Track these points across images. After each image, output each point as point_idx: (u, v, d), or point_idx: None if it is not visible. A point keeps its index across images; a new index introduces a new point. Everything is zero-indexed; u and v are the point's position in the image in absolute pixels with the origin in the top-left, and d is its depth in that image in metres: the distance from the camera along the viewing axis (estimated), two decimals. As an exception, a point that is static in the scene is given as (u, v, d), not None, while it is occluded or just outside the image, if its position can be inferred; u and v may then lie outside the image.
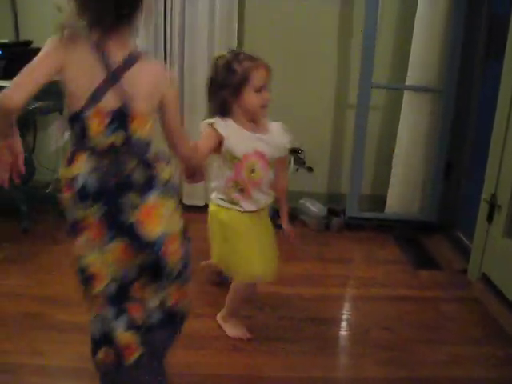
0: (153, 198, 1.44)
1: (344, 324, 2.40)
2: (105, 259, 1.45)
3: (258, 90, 1.94)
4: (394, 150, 3.34)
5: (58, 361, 1.99)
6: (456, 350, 2.20)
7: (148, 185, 1.44)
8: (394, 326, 2.35)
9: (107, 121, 1.38)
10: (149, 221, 1.44)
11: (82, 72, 1.37)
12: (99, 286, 1.47)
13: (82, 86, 1.37)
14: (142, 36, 3.22)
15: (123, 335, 1.50)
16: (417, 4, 3.12)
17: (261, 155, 2.02)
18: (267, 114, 2.05)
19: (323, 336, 2.26)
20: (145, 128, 1.44)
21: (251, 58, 1.96)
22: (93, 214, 1.42)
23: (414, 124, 3.28)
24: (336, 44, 3.47)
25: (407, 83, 3.26)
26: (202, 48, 3.32)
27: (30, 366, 1.94)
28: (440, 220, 3.39)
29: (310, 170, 3.56)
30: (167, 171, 1.49)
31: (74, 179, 1.40)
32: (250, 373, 2.01)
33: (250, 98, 1.94)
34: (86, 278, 1.48)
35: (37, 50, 1.37)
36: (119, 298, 1.49)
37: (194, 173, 1.81)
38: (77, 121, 1.38)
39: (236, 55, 1.97)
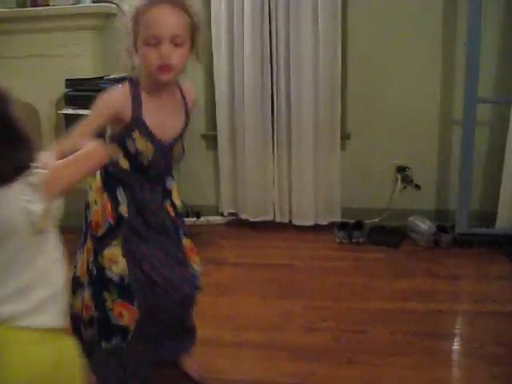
0: None
1: (457, 339, 2.45)
2: None
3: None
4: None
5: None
6: None
7: None
8: (507, 341, 2.36)
9: None
10: None
11: None
12: None
13: None
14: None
15: None
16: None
17: None
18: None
19: (436, 350, 2.32)
20: None
21: None
22: None
23: (522, 138, 3.24)
24: (439, 58, 3.48)
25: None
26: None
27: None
28: (554, 235, 3.31)
29: (418, 187, 3.61)
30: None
31: None
32: (365, 384, 2.11)
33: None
34: None
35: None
36: None
37: None
38: None
39: None
